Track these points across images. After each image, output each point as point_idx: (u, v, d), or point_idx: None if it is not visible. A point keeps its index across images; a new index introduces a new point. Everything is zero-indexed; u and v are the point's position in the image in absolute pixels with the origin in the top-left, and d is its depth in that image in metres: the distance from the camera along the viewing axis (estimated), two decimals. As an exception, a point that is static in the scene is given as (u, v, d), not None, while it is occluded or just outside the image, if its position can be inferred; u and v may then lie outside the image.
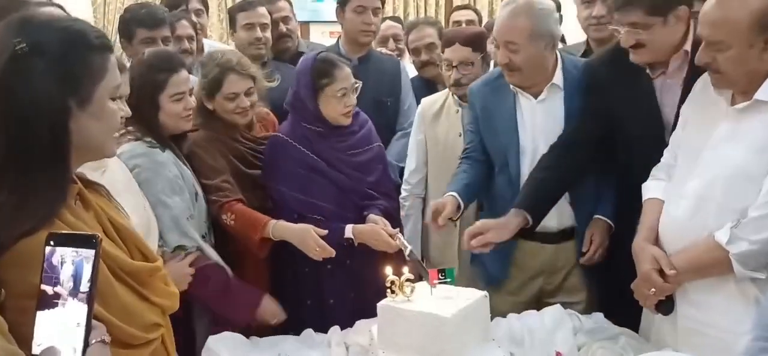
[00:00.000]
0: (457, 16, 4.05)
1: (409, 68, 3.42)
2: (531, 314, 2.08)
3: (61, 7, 3.49)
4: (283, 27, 3.38)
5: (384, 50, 3.65)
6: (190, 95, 2.17)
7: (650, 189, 1.96)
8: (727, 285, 1.73)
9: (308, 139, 2.30)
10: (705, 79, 1.83)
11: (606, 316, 2.08)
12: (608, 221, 2.27)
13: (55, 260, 0.97)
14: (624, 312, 2.05)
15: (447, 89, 2.73)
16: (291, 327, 2.20)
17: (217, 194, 2.20)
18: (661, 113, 2.07)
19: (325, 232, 2.19)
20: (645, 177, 1.99)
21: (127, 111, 1.27)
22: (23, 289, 1.02)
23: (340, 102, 2.27)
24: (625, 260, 1.92)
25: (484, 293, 1.80)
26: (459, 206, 2.25)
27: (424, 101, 2.82)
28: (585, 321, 2.05)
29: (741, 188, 1.68)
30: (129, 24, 2.85)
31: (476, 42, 2.61)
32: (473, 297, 1.77)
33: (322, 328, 2.07)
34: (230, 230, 2.21)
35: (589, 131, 2.19)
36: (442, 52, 2.69)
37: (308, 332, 2.06)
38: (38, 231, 1.06)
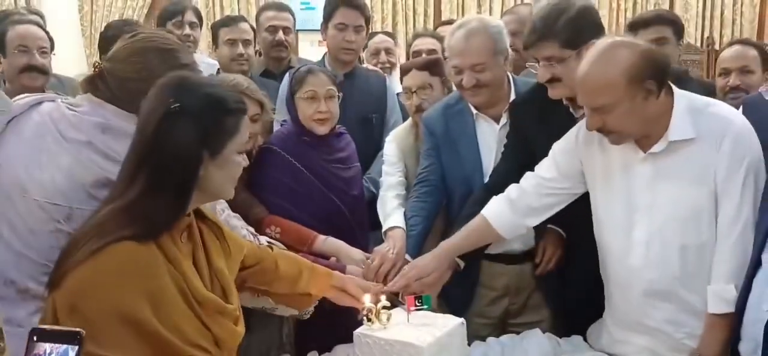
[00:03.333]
0: (443, 31, 4.03)
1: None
2: (510, 337, 2.07)
3: (41, 17, 3.45)
4: (282, 36, 3.36)
5: (369, 65, 3.64)
6: None
7: (489, 206, 2.03)
8: None
9: (298, 150, 2.30)
10: (582, 127, 1.86)
11: (566, 333, 2.10)
12: (559, 230, 2.25)
13: (41, 352, 0.97)
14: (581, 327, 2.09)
15: (410, 119, 2.64)
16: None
17: (254, 210, 2.20)
18: None
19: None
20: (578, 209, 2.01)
21: (245, 161, 1.51)
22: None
23: (309, 106, 2.28)
24: (576, 278, 1.93)
25: (461, 320, 1.79)
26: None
27: (395, 134, 2.65)
28: (564, 344, 2.04)
29: (695, 223, 1.74)
30: (111, 43, 2.79)
31: (432, 67, 2.58)
32: (450, 324, 1.76)
33: (301, 348, 2.04)
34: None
35: (516, 174, 2.14)
36: (402, 82, 2.65)
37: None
38: (128, 241, 1.27)
